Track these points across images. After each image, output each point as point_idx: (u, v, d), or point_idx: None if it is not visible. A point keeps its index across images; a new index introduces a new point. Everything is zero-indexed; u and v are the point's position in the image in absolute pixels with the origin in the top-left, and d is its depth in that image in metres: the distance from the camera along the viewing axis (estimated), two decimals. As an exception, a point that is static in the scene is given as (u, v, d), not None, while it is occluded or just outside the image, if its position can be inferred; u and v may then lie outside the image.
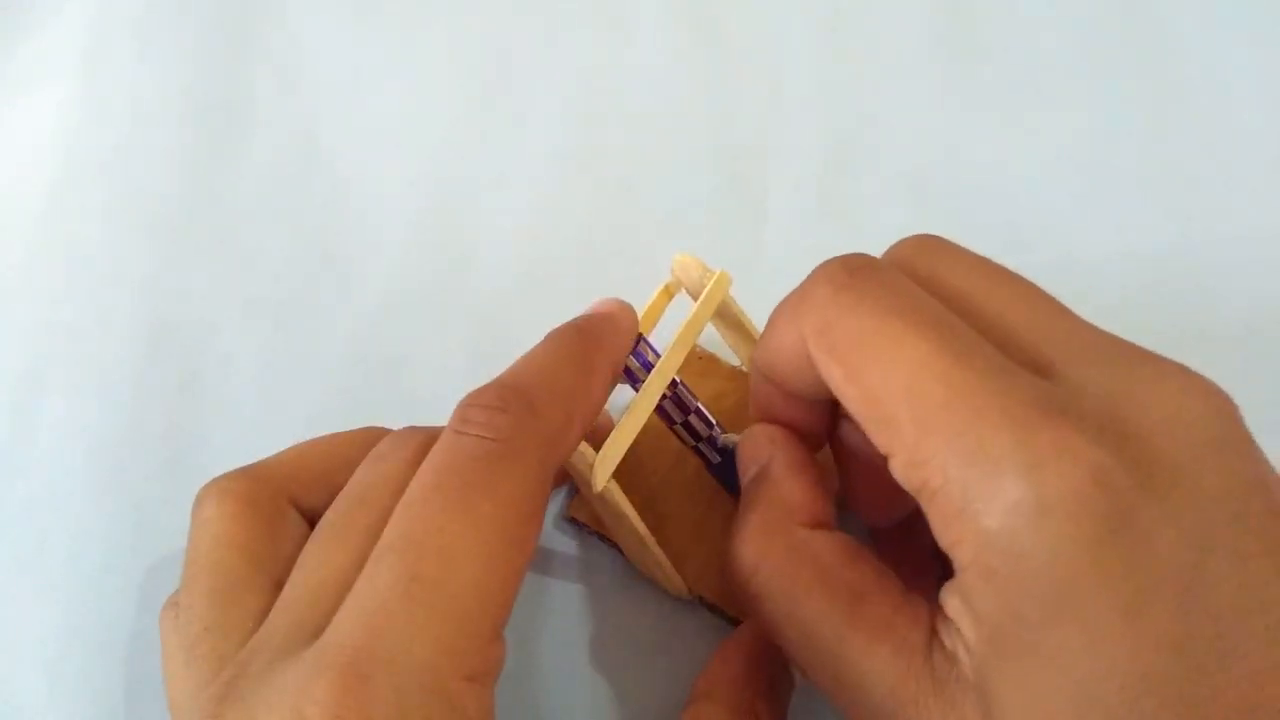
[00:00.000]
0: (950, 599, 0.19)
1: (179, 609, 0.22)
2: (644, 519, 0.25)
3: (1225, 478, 0.17)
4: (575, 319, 0.25)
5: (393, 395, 0.32)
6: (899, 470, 0.19)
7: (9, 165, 0.37)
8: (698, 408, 0.27)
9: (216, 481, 0.24)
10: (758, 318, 0.28)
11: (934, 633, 0.19)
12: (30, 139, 0.37)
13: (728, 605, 0.28)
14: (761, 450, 0.24)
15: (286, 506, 0.24)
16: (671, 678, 0.27)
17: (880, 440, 0.19)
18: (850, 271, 0.21)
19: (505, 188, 0.36)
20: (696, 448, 0.27)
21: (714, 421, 0.27)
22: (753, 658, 0.25)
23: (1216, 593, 0.17)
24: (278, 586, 0.22)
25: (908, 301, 0.20)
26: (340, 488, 0.23)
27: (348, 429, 0.26)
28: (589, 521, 0.29)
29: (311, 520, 0.23)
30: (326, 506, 0.23)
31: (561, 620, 0.28)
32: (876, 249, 0.32)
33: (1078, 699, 0.17)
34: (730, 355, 0.30)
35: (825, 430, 0.25)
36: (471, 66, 0.39)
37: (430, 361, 0.33)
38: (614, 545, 0.28)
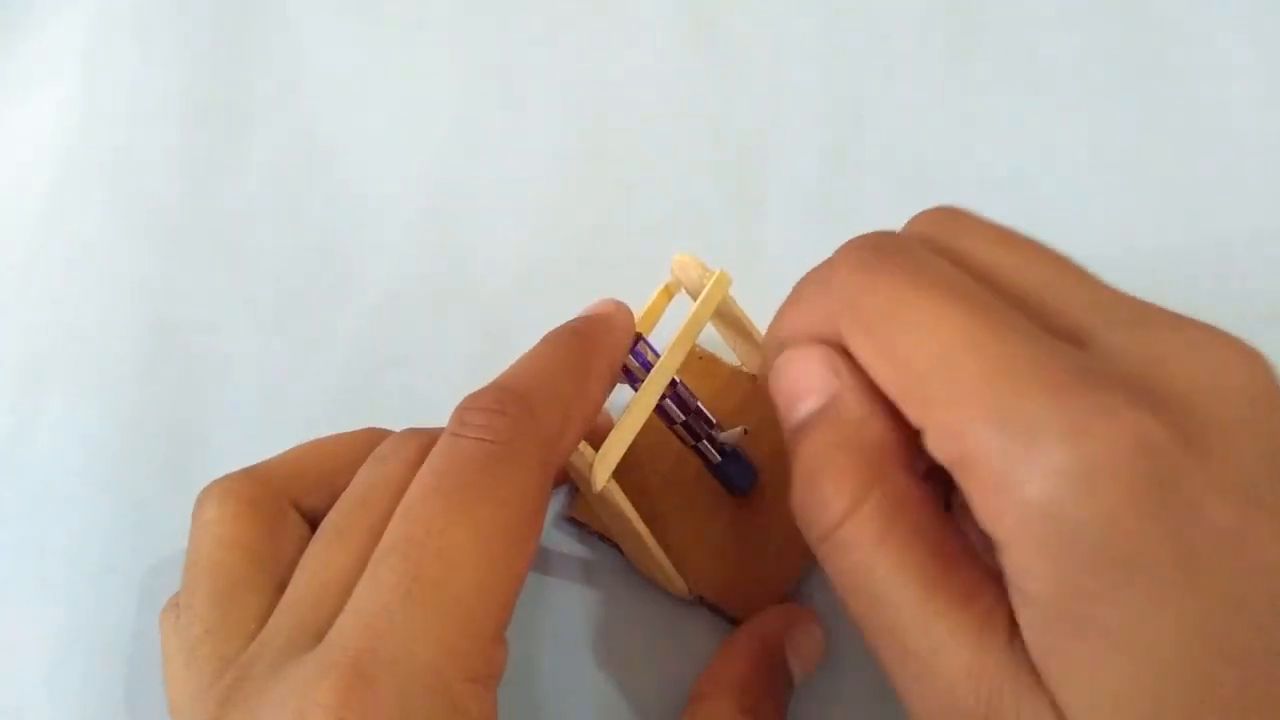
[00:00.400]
0: (1005, 568, 0.18)
1: (180, 610, 0.22)
2: (644, 519, 0.25)
3: (1266, 437, 0.17)
4: (571, 321, 0.25)
5: (393, 395, 0.32)
6: (934, 443, 0.18)
7: (9, 165, 0.37)
8: (698, 407, 0.27)
9: (218, 483, 0.24)
10: (757, 318, 0.28)
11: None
12: (30, 139, 0.37)
13: (728, 605, 0.28)
14: (823, 379, 0.21)
15: (288, 508, 0.24)
16: (671, 678, 0.27)
17: (914, 414, 0.19)
18: (875, 249, 0.20)
19: (505, 188, 0.36)
20: (696, 447, 0.27)
21: (714, 421, 0.27)
22: (753, 658, 0.25)
23: (1267, 550, 0.16)
24: (279, 588, 0.22)
25: (936, 274, 0.19)
26: (341, 489, 0.23)
27: (348, 429, 0.26)
28: (589, 521, 0.29)
29: (313, 521, 0.24)
30: (328, 508, 0.23)
31: (561, 620, 0.28)
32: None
33: (1141, 666, 0.16)
34: (730, 355, 0.30)
35: None
36: (471, 66, 0.39)
37: (430, 361, 0.33)
38: (614, 545, 0.29)
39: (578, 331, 0.24)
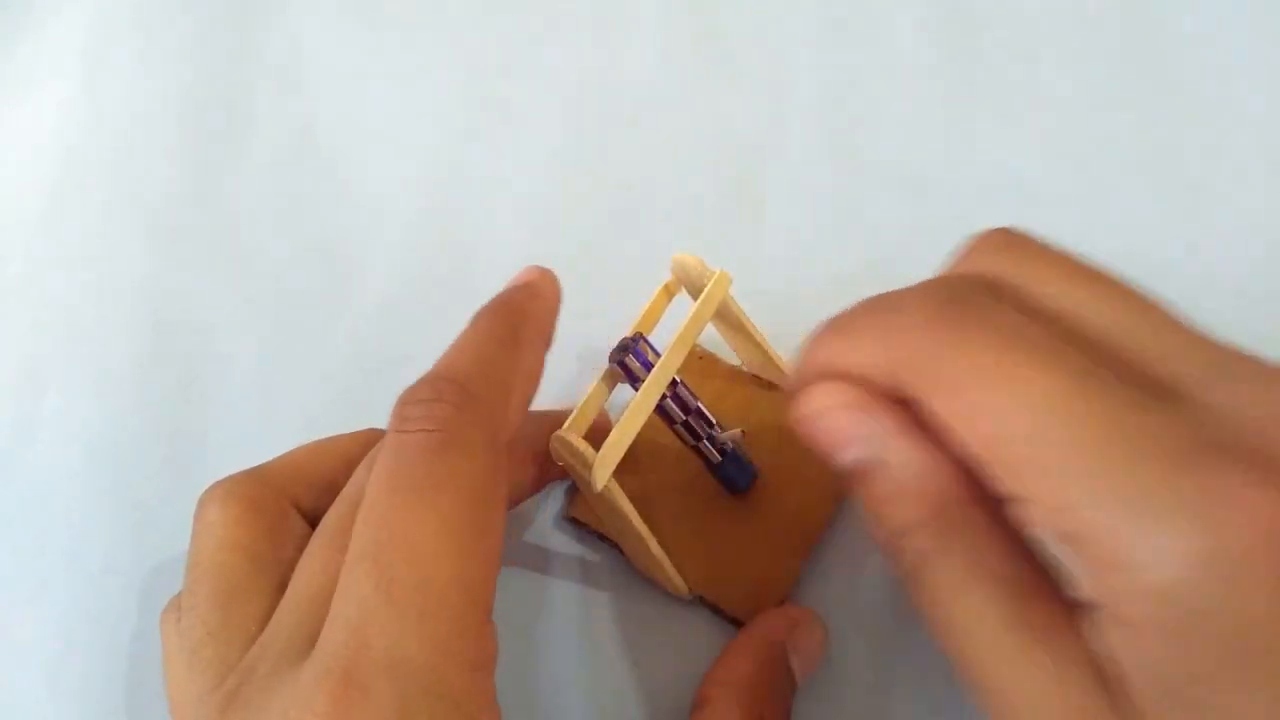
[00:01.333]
0: (1110, 639, 0.17)
1: (182, 612, 0.22)
2: (644, 519, 0.25)
3: None
4: (496, 294, 0.25)
5: (393, 395, 0.32)
6: (1036, 515, 0.18)
7: (9, 165, 0.37)
8: (698, 408, 0.27)
9: (220, 484, 0.24)
10: (758, 317, 0.28)
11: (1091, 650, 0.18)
12: (30, 139, 0.37)
13: (728, 605, 0.28)
14: (868, 432, 0.21)
15: (289, 509, 0.24)
16: (672, 678, 0.27)
17: (1008, 484, 0.18)
18: (944, 302, 0.19)
19: (505, 188, 0.36)
20: (696, 447, 0.27)
21: (714, 421, 0.27)
22: (756, 659, 0.25)
23: None
24: (281, 589, 0.22)
25: (1018, 333, 0.18)
26: (341, 489, 0.23)
27: (348, 429, 0.26)
28: (589, 521, 0.29)
29: (314, 522, 0.23)
30: (328, 508, 0.23)
31: (561, 620, 0.28)
32: (875, 249, 0.32)
33: None
34: (730, 355, 0.30)
35: None
36: (471, 66, 0.39)
37: (430, 362, 0.33)
38: (614, 545, 0.28)
39: (505, 303, 0.24)
